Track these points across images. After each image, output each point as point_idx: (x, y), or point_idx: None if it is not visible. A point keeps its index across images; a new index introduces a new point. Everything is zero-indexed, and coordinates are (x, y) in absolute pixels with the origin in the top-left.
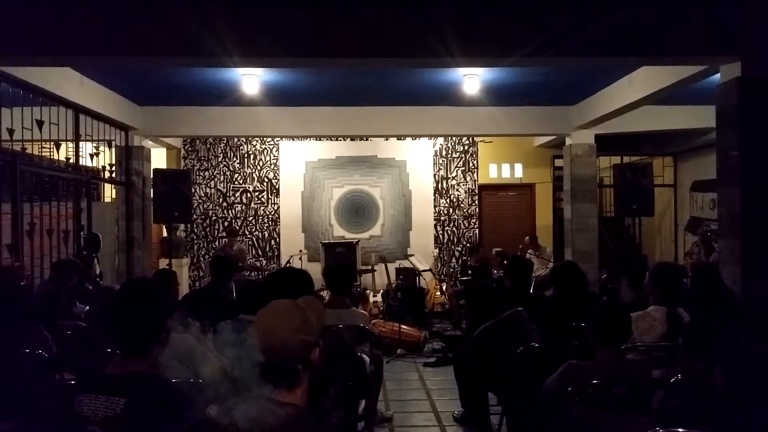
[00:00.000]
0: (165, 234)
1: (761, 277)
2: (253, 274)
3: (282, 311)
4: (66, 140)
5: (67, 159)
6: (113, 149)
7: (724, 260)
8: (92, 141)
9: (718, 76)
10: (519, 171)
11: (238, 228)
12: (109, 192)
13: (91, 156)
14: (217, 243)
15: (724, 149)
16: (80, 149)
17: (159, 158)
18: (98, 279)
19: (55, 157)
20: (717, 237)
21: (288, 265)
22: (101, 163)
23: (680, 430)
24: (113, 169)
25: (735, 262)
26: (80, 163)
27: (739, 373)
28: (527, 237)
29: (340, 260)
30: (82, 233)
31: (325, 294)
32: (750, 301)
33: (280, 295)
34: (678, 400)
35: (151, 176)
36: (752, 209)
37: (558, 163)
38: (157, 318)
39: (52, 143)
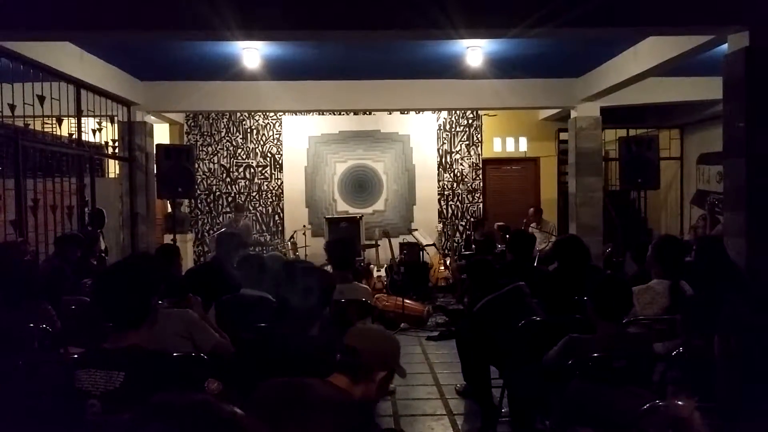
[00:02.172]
0: (169, 209)
1: (766, 250)
2: (258, 249)
3: (388, 338)
4: (68, 116)
5: (70, 135)
6: (116, 125)
7: (728, 233)
8: (94, 116)
9: (724, 46)
10: (523, 145)
11: (244, 204)
12: (112, 168)
13: (94, 132)
14: (221, 218)
15: (730, 120)
16: (82, 125)
17: (162, 134)
18: (103, 255)
19: (58, 132)
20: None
21: (292, 240)
22: (104, 139)
23: (680, 402)
24: (116, 144)
25: (740, 235)
26: (83, 138)
27: (738, 342)
28: (531, 208)
29: (344, 235)
30: (86, 209)
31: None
32: (754, 274)
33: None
34: (679, 372)
35: (155, 152)
36: (758, 181)
37: (563, 136)
38: (144, 289)
39: (54, 119)
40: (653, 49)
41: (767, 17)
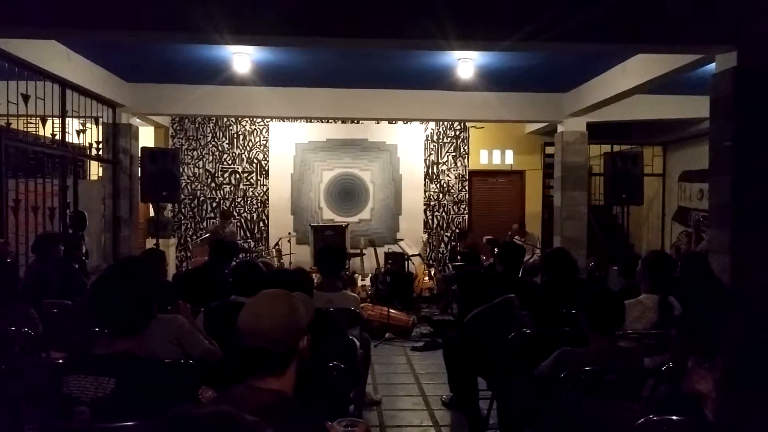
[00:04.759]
0: (152, 213)
1: (750, 267)
2: (241, 256)
3: (271, 298)
4: (52, 116)
5: (53, 135)
6: (100, 126)
7: (713, 249)
8: (79, 117)
9: (710, 66)
10: (509, 157)
11: (230, 210)
12: (95, 170)
13: (78, 133)
14: (205, 223)
15: (717, 139)
16: (67, 125)
17: (147, 137)
18: (84, 258)
19: (41, 133)
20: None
21: (277, 247)
22: (88, 141)
23: (674, 417)
24: (100, 146)
25: (724, 252)
26: (66, 139)
27: (739, 362)
28: (515, 224)
29: (329, 243)
30: (68, 211)
31: (316, 277)
32: (738, 291)
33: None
34: (668, 388)
35: (139, 155)
36: (743, 200)
37: (548, 150)
38: (145, 296)
39: (38, 119)
40: (641, 67)
41: (755, 38)
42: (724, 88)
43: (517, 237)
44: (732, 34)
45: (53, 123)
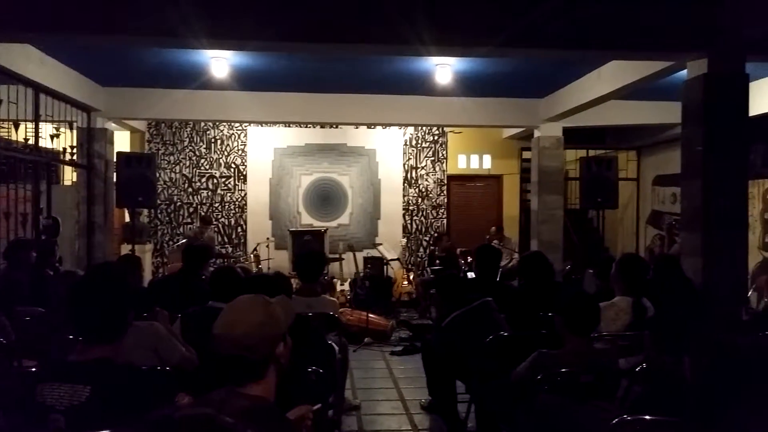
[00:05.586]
0: (128, 219)
1: (720, 269)
2: (218, 262)
3: (246, 305)
4: (25, 120)
5: (26, 140)
6: (74, 131)
7: (685, 252)
8: (53, 122)
9: (682, 73)
10: (487, 162)
11: (211, 216)
12: (69, 175)
13: (52, 137)
14: (182, 229)
15: (688, 144)
16: (40, 130)
17: (122, 141)
18: (58, 265)
19: (14, 137)
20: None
21: (255, 252)
22: (62, 145)
23: (647, 417)
24: (74, 151)
25: (696, 254)
26: (40, 144)
27: (710, 363)
28: (493, 228)
29: (308, 248)
30: (41, 217)
31: (294, 282)
32: (709, 292)
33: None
34: (642, 388)
35: (115, 159)
36: (713, 203)
37: (525, 155)
38: (123, 303)
39: (11, 123)
40: (615, 73)
41: (725, 46)
42: (695, 94)
43: (495, 241)
44: (703, 43)
45: (26, 127)
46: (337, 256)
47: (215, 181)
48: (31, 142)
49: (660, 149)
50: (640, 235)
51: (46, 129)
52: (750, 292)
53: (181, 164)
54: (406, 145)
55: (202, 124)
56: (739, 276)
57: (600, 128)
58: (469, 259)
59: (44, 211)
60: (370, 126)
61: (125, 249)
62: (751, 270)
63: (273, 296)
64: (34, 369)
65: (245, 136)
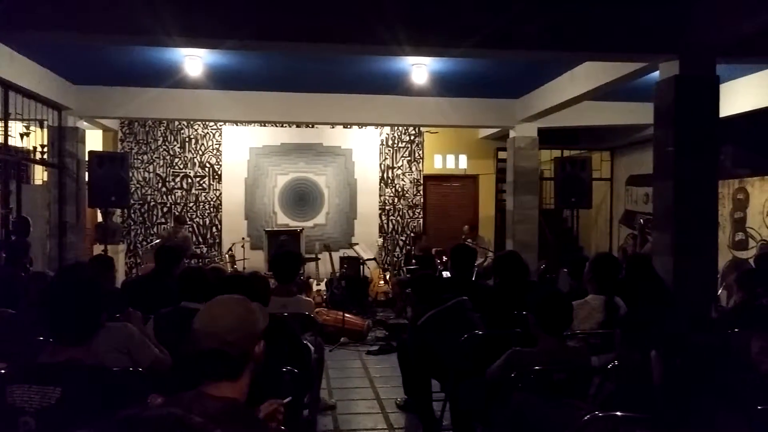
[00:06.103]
0: (100, 219)
1: (691, 268)
2: (193, 262)
3: (227, 301)
4: None
5: None
6: (45, 129)
7: (656, 251)
8: (23, 120)
9: (654, 74)
10: (463, 162)
11: (185, 216)
12: (40, 174)
13: (22, 136)
14: (156, 229)
15: (660, 144)
16: (9, 128)
17: (95, 140)
18: (29, 265)
19: None
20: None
21: (230, 252)
22: (32, 144)
23: (618, 413)
24: (45, 150)
25: (667, 253)
26: (9, 143)
27: (682, 361)
28: (466, 226)
29: (284, 248)
30: (10, 217)
31: (272, 282)
32: (679, 291)
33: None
34: (614, 385)
35: (87, 159)
36: (685, 203)
37: (501, 155)
38: (95, 304)
39: None
40: (589, 74)
41: (696, 48)
42: (667, 95)
43: (469, 240)
44: (674, 44)
45: None
46: (313, 256)
47: (189, 180)
48: (0, 140)
49: (633, 150)
50: (613, 235)
51: (16, 127)
52: (720, 291)
53: (155, 163)
54: (382, 144)
55: (176, 123)
56: (709, 275)
57: (574, 129)
58: (445, 258)
59: (13, 211)
60: (346, 126)
61: (98, 249)
62: (721, 269)
63: (249, 296)
64: (3, 371)
65: (220, 135)
